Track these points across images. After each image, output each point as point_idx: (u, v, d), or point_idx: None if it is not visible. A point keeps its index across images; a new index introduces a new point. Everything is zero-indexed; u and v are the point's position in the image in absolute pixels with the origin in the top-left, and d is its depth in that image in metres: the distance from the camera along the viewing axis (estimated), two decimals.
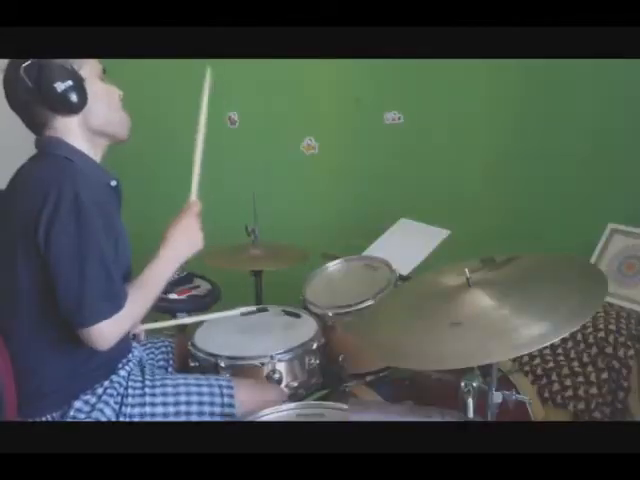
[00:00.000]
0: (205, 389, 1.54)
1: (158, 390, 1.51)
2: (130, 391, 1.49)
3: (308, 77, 2.74)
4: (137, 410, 1.47)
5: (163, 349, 1.79)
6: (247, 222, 2.21)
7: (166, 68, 2.66)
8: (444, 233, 2.26)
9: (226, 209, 2.57)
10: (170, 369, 1.77)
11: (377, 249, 2.25)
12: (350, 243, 2.30)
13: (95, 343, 1.35)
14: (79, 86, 1.41)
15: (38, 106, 1.41)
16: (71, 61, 1.41)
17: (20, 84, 1.37)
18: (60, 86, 1.38)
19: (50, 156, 1.42)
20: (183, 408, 1.50)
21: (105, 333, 1.35)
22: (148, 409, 1.48)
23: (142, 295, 1.43)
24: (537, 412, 1.70)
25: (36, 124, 1.45)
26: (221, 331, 1.89)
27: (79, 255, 1.33)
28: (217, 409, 1.52)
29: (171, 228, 1.51)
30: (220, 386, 1.55)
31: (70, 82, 1.39)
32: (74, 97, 1.40)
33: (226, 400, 1.53)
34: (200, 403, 1.51)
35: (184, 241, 1.51)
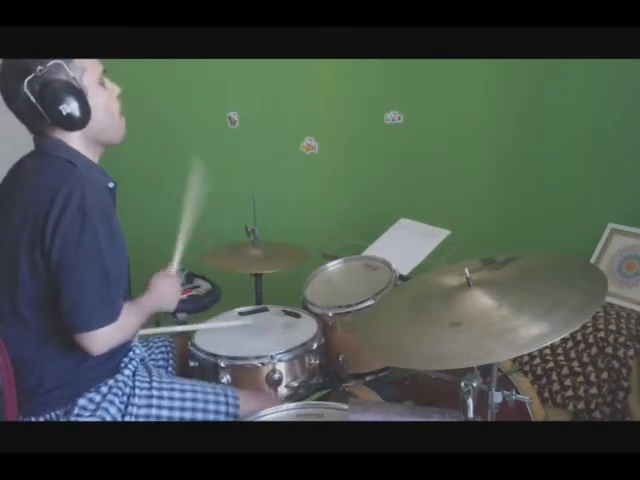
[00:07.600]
0: (211, 397, 1.55)
1: (165, 393, 1.52)
2: (137, 391, 1.50)
3: (308, 77, 2.74)
4: (143, 411, 1.48)
5: (163, 349, 1.80)
6: (247, 222, 2.21)
7: (166, 68, 2.66)
8: (444, 233, 2.25)
9: (226, 209, 2.57)
10: (170, 369, 1.77)
11: (377, 249, 2.25)
12: (350, 243, 2.30)
13: (88, 349, 1.38)
14: (84, 105, 1.39)
15: (39, 118, 1.39)
16: (72, 66, 1.39)
17: (22, 98, 1.36)
18: (66, 109, 1.36)
19: (52, 158, 1.42)
20: (188, 414, 1.51)
21: (100, 341, 1.38)
22: (154, 411, 1.49)
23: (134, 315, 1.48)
24: (537, 412, 1.70)
25: (33, 128, 1.45)
26: (221, 331, 1.89)
27: (81, 263, 1.34)
28: (222, 417, 1.53)
29: (158, 281, 1.59)
30: (226, 395, 1.56)
31: (76, 104, 1.37)
32: (79, 116, 1.39)
33: (231, 410, 1.54)
34: (205, 411, 1.52)
35: (166, 297, 1.60)
